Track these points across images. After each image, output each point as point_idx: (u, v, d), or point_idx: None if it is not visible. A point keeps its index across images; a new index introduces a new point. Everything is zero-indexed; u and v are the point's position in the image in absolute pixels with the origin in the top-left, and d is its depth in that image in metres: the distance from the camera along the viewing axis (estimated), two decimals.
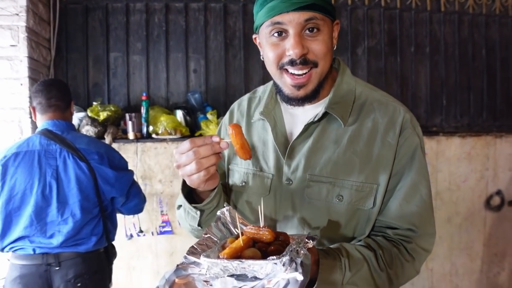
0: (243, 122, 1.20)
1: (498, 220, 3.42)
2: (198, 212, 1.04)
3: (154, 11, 3.11)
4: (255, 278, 0.77)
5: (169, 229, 2.85)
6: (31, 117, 2.67)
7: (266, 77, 3.27)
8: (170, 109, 3.06)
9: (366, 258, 0.98)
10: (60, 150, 1.96)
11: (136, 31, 3.09)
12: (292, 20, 0.94)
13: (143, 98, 2.85)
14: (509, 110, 3.74)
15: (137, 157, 2.80)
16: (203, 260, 0.77)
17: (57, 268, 1.94)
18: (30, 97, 2.03)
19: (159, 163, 2.84)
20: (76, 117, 2.82)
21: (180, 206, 1.15)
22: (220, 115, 3.06)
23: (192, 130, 3.00)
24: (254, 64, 3.28)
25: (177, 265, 0.83)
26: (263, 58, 1.08)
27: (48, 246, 1.94)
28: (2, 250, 1.99)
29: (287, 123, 1.12)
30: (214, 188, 1.01)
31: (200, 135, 2.92)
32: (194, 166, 0.88)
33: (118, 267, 2.79)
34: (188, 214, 1.07)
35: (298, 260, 0.76)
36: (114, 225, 2.22)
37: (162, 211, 2.84)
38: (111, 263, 2.22)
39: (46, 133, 1.98)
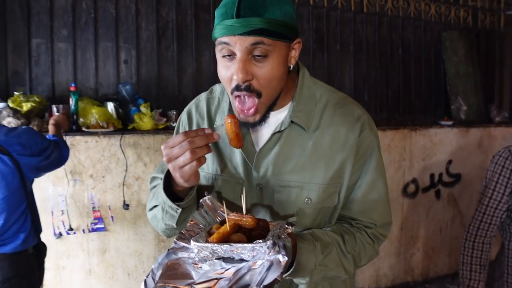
0: (205, 125, 1.19)
1: (413, 206, 3.76)
2: (179, 210, 1.02)
3: None
4: (241, 260, 0.82)
5: (102, 226, 2.71)
6: None
7: (199, 70, 3.26)
8: (99, 101, 2.91)
9: (335, 242, 1.07)
10: None
11: (62, 16, 2.89)
12: (237, 43, 0.93)
13: (72, 89, 2.67)
14: (422, 105, 4.12)
15: None
16: (193, 244, 0.82)
17: None
18: None
19: (90, 157, 2.69)
20: None
21: (154, 207, 1.13)
22: (153, 108, 2.98)
23: (124, 123, 2.88)
24: (187, 56, 3.24)
25: (168, 250, 0.87)
26: None
27: None
28: None
29: (251, 130, 1.12)
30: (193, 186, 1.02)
31: (134, 128, 2.82)
32: (188, 155, 0.88)
33: (46, 268, 2.62)
34: (167, 213, 1.05)
35: (281, 243, 0.82)
36: (39, 218, 2.09)
37: (94, 208, 2.70)
38: (42, 264, 2.08)
39: None
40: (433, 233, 3.93)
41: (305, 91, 1.11)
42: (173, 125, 2.97)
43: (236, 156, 1.12)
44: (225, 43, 0.94)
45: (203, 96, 1.24)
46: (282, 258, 0.78)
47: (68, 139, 2.63)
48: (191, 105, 1.25)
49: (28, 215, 1.93)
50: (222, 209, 1.01)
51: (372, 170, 1.12)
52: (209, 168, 1.15)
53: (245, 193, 0.96)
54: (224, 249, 0.81)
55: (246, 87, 0.96)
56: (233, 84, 0.97)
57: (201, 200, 1.00)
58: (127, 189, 2.78)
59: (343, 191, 1.11)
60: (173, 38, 3.18)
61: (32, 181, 2.01)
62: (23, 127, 2.08)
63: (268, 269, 0.77)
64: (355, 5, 3.70)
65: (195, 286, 0.77)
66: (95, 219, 2.71)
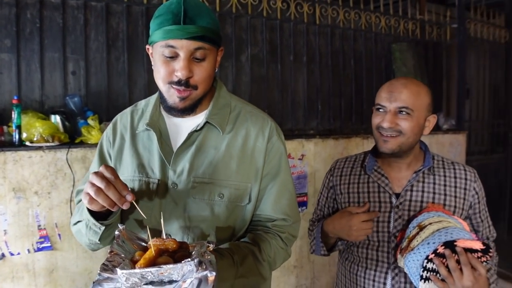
0: (127, 134, 1.31)
1: None
2: (102, 228, 1.11)
3: (26, 6, 2.82)
4: (171, 282, 0.85)
5: (48, 244, 2.61)
6: None
7: (150, 82, 3.20)
8: (45, 114, 2.80)
9: (252, 252, 1.17)
10: None
11: (4, 26, 2.77)
12: (184, 46, 1.09)
13: (15, 101, 2.56)
14: None
15: (8, 167, 2.51)
16: (120, 273, 0.82)
17: None
18: None
19: (35, 173, 2.58)
20: None
21: (78, 222, 1.23)
22: (102, 120, 2.90)
23: (71, 136, 2.79)
24: (138, 68, 3.18)
25: (93, 282, 0.87)
26: (153, 68, 1.20)
27: None
28: None
29: (171, 133, 1.26)
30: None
31: (81, 141, 2.74)
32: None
33: None
34: (90, 229, 1.14)
35: (207, 260, 0.87)
36: None
37: (39, 226, 2.59)
38: None
39: None
40: None
41: (221, 100, 1.28)
42: None
43: (154, 157, 1.23)
44: (171, 46, 1.09)
45: (128, 109, 1.39)
46: (210, 274, 0.83)
47: (10, 155, 2.52)
48: (116, 118, 1.39)
49: None
50: (140, 238, 1.05)
51: (283, 173, 1.28)
52: (128, 171, 1.25)
53: (163, 217, 1.04)
54: (153, 272, 0.82)
55: (185, 83, 1.12)
56: (174, 79, 1.12)
57: (116, 231, 1.03)
58: (74, 206, 2.68)
59: (254, 191, 1.24)
60: (123, 49, 3.11)
61: None
62: None
63: (198, 286, 0.81)
64: (307, 17, 3.76)
65: None
66: (40, 237, 2.59)
